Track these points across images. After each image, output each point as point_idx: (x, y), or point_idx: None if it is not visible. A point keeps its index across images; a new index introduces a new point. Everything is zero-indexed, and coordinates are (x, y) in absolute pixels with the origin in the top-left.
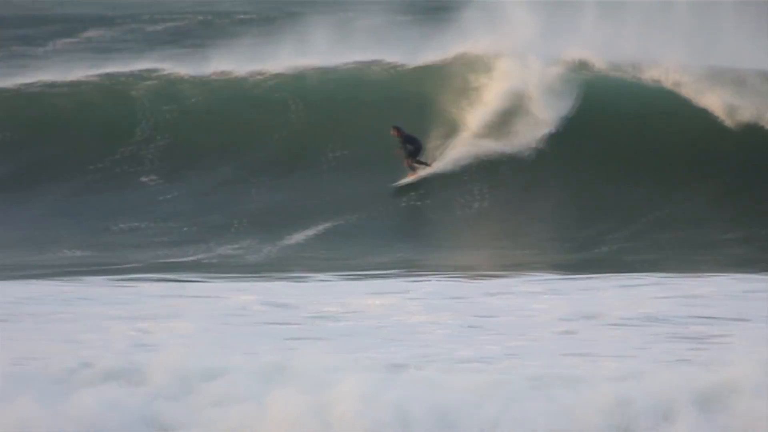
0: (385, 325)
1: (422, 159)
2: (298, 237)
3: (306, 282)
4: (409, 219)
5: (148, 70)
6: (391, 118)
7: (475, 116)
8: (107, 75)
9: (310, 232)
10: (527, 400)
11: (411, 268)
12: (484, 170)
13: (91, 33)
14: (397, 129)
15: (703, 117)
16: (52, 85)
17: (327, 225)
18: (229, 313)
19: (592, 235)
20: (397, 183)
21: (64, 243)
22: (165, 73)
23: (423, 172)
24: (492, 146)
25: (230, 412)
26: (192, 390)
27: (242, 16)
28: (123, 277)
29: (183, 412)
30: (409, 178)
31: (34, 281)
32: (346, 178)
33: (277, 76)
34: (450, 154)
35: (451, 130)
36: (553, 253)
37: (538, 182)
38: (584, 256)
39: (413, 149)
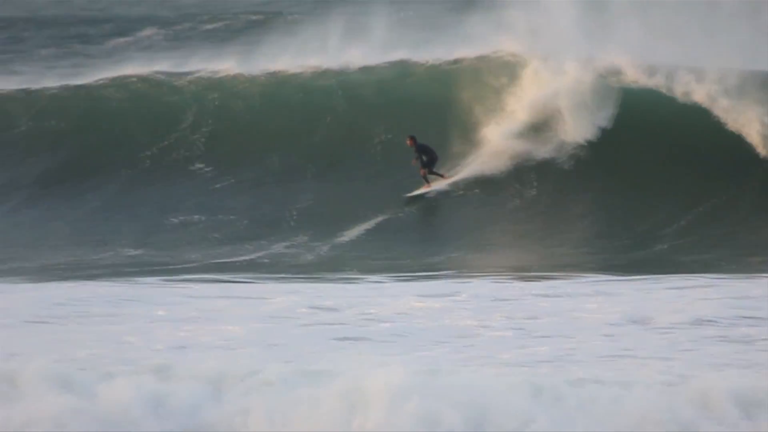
0: (433, 327)
1: (437, 170)
2: (351, 234)
3: (357, 283)
4: (460, 216)
5: (200, 68)
6: (432, 116)
7: (508, 122)
8: (160, 72)
9: (363, 227)
10: (567, 402)
11: (461, 268)
12: (533, 170)
13: (148, 32)
14: (412, 139)
15: (755, 115)
16: (108, 81)
17: (378, 220)
18: (276, 315)
19: (642, 235)
20: (408, 193)
21: (118, 240)
22: (216, 69)
23: (437, 184)
24: (526, 151)
25: (262, 412)
26: (227, 392)
27: (293, 16)
28: (175, 278)
29: (217, 413)
30: (422, 189)
31: (86, 282)
32: (397, 173)
33: (327, 72)
34: (478, 162)
35: (483, 134)
36: (602, 253)
37: (586, 182)
38: (634, 256)
39: (428, 160)
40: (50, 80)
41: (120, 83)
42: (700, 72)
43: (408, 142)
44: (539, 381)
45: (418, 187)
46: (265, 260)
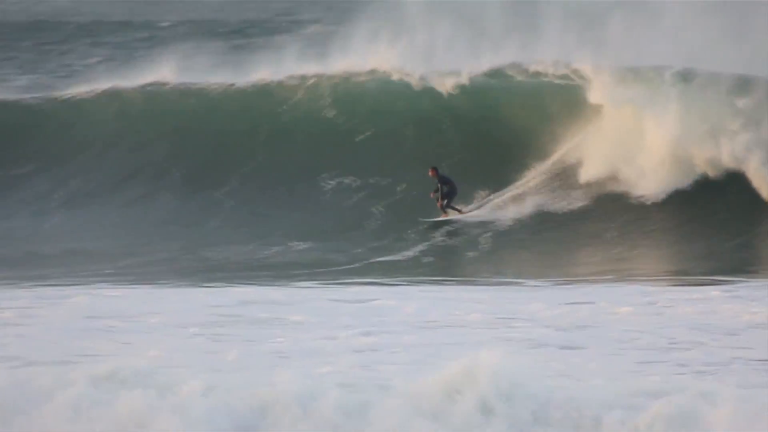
0: (573, 335)
1: (454, 204)
2: (503, 223)
3: (510, 287)
4: (617, 219)
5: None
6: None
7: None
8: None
9: (519, 210)
10: (693, 415)
11: (620, 271)
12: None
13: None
14: (434, 170)
15: None
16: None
17: (533, 199)
18: (413, 322)
19: None
20: (429, 219)
21: (281, 228)
22: (334, 69)
23: (454, 216)
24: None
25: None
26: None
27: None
28: (332, 281)
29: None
30: (442, 217)
31: (243, 286)
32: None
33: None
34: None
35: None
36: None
37: (733, 182)
38: None
39: (447, 191)
40: (173, 76)
41: (246, 86)
42: None
43: (430, 172)
44: (643, 390)
45: (440, 214)
46: (425, 259)
